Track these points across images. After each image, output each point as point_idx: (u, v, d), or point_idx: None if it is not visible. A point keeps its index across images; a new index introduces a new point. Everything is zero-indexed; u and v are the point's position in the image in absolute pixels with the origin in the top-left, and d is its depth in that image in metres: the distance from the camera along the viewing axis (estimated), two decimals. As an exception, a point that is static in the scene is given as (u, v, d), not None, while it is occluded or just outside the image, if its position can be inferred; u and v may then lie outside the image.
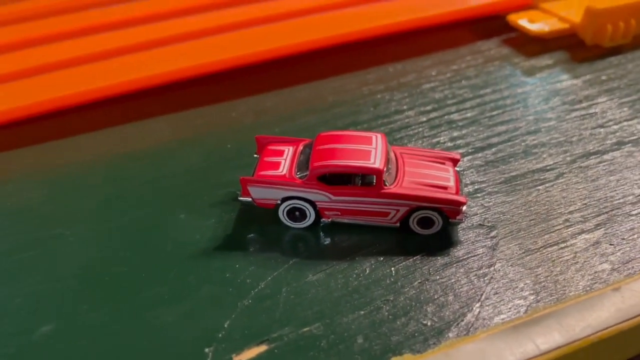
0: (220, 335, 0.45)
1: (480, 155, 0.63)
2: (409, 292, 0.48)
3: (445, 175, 0.54)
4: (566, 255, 0.51)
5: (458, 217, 0.52)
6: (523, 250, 0.51)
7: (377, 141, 0.53)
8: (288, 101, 0.73)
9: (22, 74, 0.71)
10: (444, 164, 0.55)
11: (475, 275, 0.49)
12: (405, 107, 0.71)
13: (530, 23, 0.82)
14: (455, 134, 0.66)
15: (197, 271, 0.50)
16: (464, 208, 0.52)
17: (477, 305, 0.47)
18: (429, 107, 0.71)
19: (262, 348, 0.44)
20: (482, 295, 0.48)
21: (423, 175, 0.53)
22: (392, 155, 0.54)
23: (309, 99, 0.73)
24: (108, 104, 0.70)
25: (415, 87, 0.74)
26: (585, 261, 0.50)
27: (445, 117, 0.69)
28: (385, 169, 0.51)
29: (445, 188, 0.52)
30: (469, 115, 0.69)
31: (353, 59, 0.80)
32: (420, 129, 0.67)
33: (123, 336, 0.45)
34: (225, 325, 0.46)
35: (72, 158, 0.65)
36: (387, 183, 0.51)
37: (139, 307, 0.48)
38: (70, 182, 0.61)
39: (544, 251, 0.51)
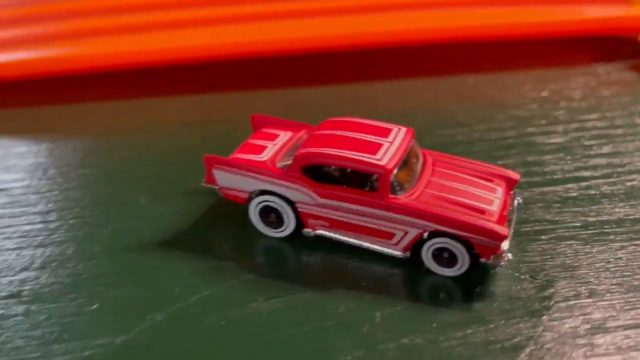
0: (102, 352, 0.32)
1: (559, 188, 0.45)
2: (390, 351, 0.32)
3: (488, 196, 0.37)
4: (661, 347, 0.32)
5: (494, 258, 0.35)
6: (590, 326, 0.33)
7: (398, 135, 0.38)
8: (330, 99, 0.59)
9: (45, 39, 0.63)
10: (491, 182, 0.39)
11: (501, 346, 0.32)
12: (474, 120, 0.54)
13: (671, 46, 0.62)
14: (532, 158, 0.48)
15: (120, 267, 0.38)
16: (505, 245, 0.35)
17: (490, 393, 0.29)
18: (506, 125, 0.54)
19: (145, 386, 0.30)
20: (503, 379, 0.30)
21: (454, 190, 0.37)
22: (419, 159, 0.39)
23: (357, 99, 0.59)
24: (120, 78, 0.61)
25: (495, 102, 0.58)
26: (692, 362, 0.31)
27: (525, 138, 0.52)
28: (394, 170, 0.36)
29: (481, 212, 0.36)
30: (557, 140, 0.51)
31: (424, 63, 0.65)
32: (486, 147, 0.50)
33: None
34: (117, 342, 0.32)
35: (63, 125, 0.56)
36: (396, 191, 0.36)
37: (24, 295, 0.36)
38: (47, 148, 0.52)
39: (624, 333, 0.32)
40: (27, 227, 0.41)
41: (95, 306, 0.35)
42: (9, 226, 0.42)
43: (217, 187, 0.40)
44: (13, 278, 0.37)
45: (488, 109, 0.57)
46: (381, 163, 0.36)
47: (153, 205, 0.43)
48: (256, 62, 0.63)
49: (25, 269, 0.38)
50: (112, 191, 0.45)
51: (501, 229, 0.34)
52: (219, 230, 0.41)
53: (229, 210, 0.42)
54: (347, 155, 0.36)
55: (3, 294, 0.36)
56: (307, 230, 0.38)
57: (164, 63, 0.61)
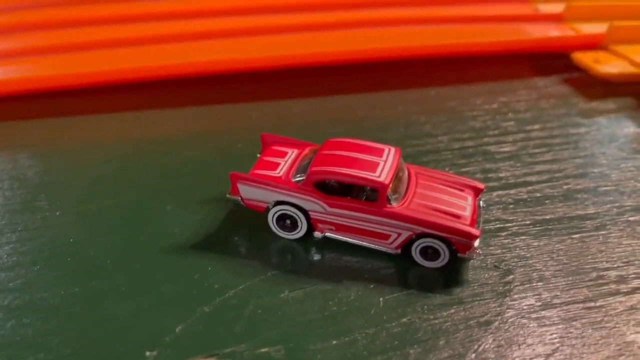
0: (167, 339, 0.39)
1: (512, 192, 0.55)
2: (394, 328, 0.41)
3: (461, 203, 0.47)
4: (592, 317, 0.42)
5: (468, 253, 0.44)
6: (541, 303, 0.43)
7: (389, 154, 0.47)
8: (315, 110, 0.68)
9: (48, 50, 0.68)
10: (462, 191, 0.48)
11: (477, 322, 0.42)
12: (439, 131, 0.64)
13: (597, 64, 0.74)
14: (489, 165, 0.59)
15: (164, 267, 0.45)
16: (476, 243, 0.45)
17: (472, 356, 0.39)
18: (465, 135, 0.64)
19: (209, 362, 0.38)
20: (480, 346, 0.40)
21: (435, 199, 0.47)
22: (404, 173, 0.48)
23: (338, 110, 0.68)
24: (124, 90, 0.68)
25: (455, 113, 0.68)
26: (614, 327, 0.41)
27: (481, 147, 0.62)
28: (390, 185, 0.45)
29: (457, 217, 0.45)
30: (507, 149, 0.62)
31: (395, 78, 0.75)
32: (451, 156, 0.60)
33: (63, 321, 0.41)
34: (177, 330, 0.40)
35: (77, 137, 0.62)
36: (391, 201, 0.45)
37: (90, 294, 0.43)
38: (69, 159, 0.58)
39: (566, 308, 0.43)
40: (69, 236, 0.48)
41: (149, 302, 0.42)
42: (43, 242, 0.48)
43: (240, 198, 0.48)
44: (67, 284, 0.44)
45: (450, 120, 0.66)
46: (380, 179, 0.45)
47: (179, 212, 0.51)
48: (248, 76, 0.70)
49: (80, 274, 0.45)
50: (139, 200, 0.52)
51: (474, 231, 0.44)
52: (240, 233, 0.49)
53: (245, 217, 0.50)
54: (353, 174, 0.45)
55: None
56: (317, 233, 0.47)
57: (161, 77, 0.68)
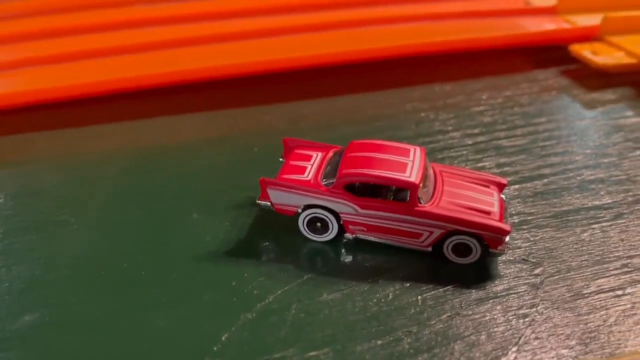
0: (215, 348, 0.40)
1: (529, 185, 0.56)
2: (436, 325, 0.42)
3: (489, 200, 0.48)
4: (623, 305, 0.44)
5: (499, 248, 0.45)
6: (572, 294, 0.45)
7: (415, 154, 0.48)
8: (326, 110, 0.68)
9: (58, 59, 0.68)
10: (488, 187, 0.49)
11: (514, 315, 0.43)
12: (450, 127, 0.65)
13: (595, 55, 0.76)
14: (503, 160, 0.60)
15: (200, 275, 0.45)
16: (507, 238, 0.46)
17: (514, 349, 0.40)
18: (476, 130, 0.65)
19: (261, 369, 0.39)
20: (520, 338, 0.41)
21: (463, 196, 0.47)
22: (430, 171, 0.49)
23: (348, 110, 0.68)
24: (135, 97, 0.67)
25: (462, 109, 0.69)
26: (645, 314, 0.43)
27: (493, 142, 0.63)
28: (421, 185, 0.46)
29: (487, 213, 0.46)
30: (519, 142, 0.63)
31: (399, 75, 0.75)
32: (465, 152, 0.61)
33: (109, 335, 0.41)
34: (223, 338, 0.40)
35: (93, 147, 0.61)
36: (421, 200, 0.46)
37: (131, 306, 0.43)
38: (87, 170, 0.58)
39: (596, 297, 0.44)
40: (100, 248, 0.48)
41: (191, 312, 0.42)
42: (75, 255, 0.48)
43: (270, 203, 0.48)
44: (104, 297, 0.44)
45: (458, 116, 0.68)
46: (411, 179, 0.45)
47: (206, 220, 0.51)
48: (255, 80, 0.71)
49: (116, 286, 0.45)
50: (164, 209, 0.52)
51: (506, 226, 0.45)
52: (269, 237, 0.49)
53: (272, 221, 0.50)
54: (384, 175, 0.46)
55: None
56: (348, 235, 0.48)
57: (168, 84, 0.68)
